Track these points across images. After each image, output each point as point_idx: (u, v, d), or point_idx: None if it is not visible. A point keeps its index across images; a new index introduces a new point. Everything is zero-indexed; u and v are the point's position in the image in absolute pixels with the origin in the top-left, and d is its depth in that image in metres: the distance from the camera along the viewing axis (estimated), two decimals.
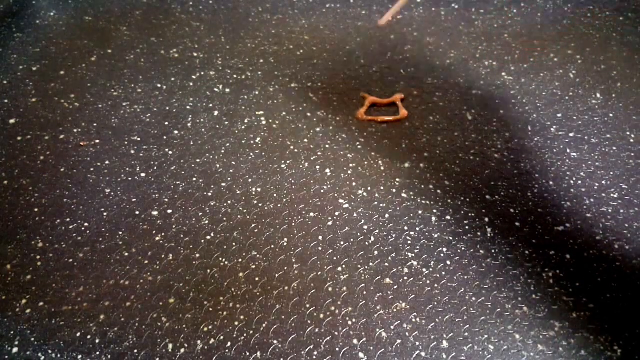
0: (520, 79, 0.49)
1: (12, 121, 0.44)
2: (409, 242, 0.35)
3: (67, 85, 0.47)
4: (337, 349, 0.29)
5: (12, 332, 0.30)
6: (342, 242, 0.35)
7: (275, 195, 0.38)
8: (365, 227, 0.36)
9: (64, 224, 0.36)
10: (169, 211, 0.37)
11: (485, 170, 0.40)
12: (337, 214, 0.37)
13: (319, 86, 0.48)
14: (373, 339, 0.30)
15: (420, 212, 0.37)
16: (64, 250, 0.34)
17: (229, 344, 0.30)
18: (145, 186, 0.38)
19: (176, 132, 0.43)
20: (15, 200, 0.37)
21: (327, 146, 0.42)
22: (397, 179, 0.39)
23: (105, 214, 0.36)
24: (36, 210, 0.37)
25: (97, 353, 0.29)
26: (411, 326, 0.31)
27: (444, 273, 0.33)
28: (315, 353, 0.29)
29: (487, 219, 0.36)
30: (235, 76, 0.49)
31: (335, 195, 0.38)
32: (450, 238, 0.35)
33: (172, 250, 0.34)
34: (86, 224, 0.36)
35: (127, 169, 0.40)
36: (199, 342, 0.30)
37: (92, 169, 0.40)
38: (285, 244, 0.35)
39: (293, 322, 0.31)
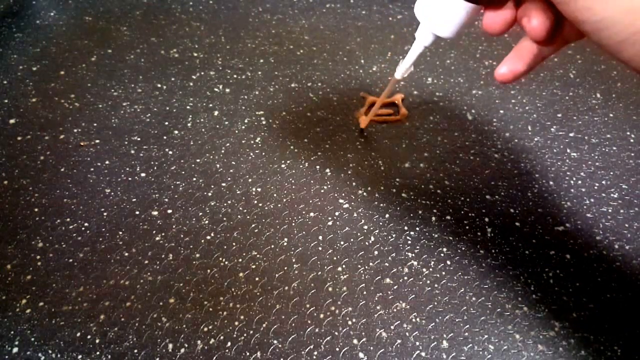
0: (520, 79, 0.49)
1: (12, 121, 0.44)
2: (409, 242, 0.35)
3: (67, 85, 0.47)
4: (337, 349, 0.29)
5: (12, 332, 0.30)
6: (342, 242, 0.35)
7: (275, 195, 0.38)
8: (365, 227, 0.36)
9: (64, 224, 0.36)
10: (169, 211, 0.37)
11: (485, 170, 0.40)
12: (337, 214, 0.37)
13: (319, 86, 0.48)
14: (373, 339, 0.30)
15: (420, 212, 0.37)
16: (64, 250, 0.34)
17: (229, 344, 0.30)
18: (145, 186, 0.38)
19: (176, 132, 0.43)
20: (15, 200, 0.37)
21: (327, 146, 0.42)
22: (397, 179, 0.39)
23: (105, 214, 0.36)
24: (36, 210, 0.37)
25: (97, 353, 0.29)
26: (411, 326, 0.31)
27: (444, 273, 0.33)
28: (315, 353, 0.29)
29: (487, 219, 0.36)
30: (235, 76, 0.49)
31: (335, 195, 0.38)
32: (450, 238, 0.35)
33: (172, 250, 0.34)
34: (86, 224, 0.36)
35: (127, 169, 0.40)
36: (199, 342, 0.30)
37: (92, 169, 0.40)
38: (285, 244, 0.35)
39: (293, 322, 0.31)
